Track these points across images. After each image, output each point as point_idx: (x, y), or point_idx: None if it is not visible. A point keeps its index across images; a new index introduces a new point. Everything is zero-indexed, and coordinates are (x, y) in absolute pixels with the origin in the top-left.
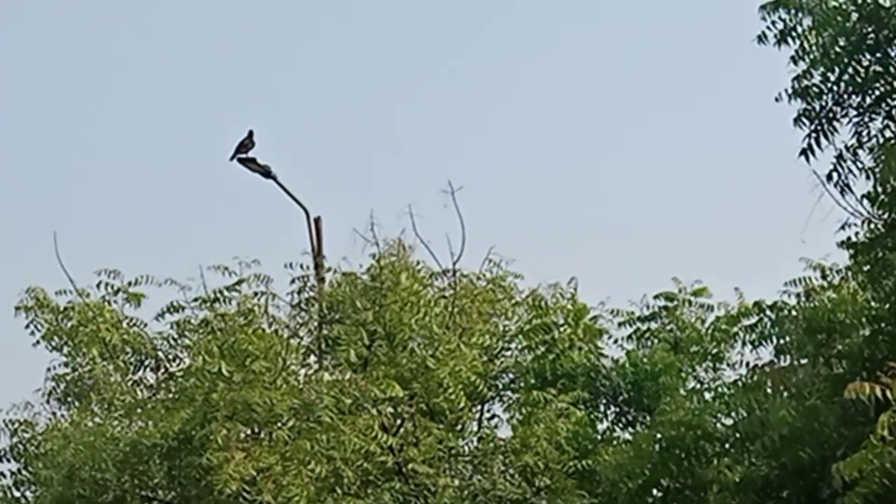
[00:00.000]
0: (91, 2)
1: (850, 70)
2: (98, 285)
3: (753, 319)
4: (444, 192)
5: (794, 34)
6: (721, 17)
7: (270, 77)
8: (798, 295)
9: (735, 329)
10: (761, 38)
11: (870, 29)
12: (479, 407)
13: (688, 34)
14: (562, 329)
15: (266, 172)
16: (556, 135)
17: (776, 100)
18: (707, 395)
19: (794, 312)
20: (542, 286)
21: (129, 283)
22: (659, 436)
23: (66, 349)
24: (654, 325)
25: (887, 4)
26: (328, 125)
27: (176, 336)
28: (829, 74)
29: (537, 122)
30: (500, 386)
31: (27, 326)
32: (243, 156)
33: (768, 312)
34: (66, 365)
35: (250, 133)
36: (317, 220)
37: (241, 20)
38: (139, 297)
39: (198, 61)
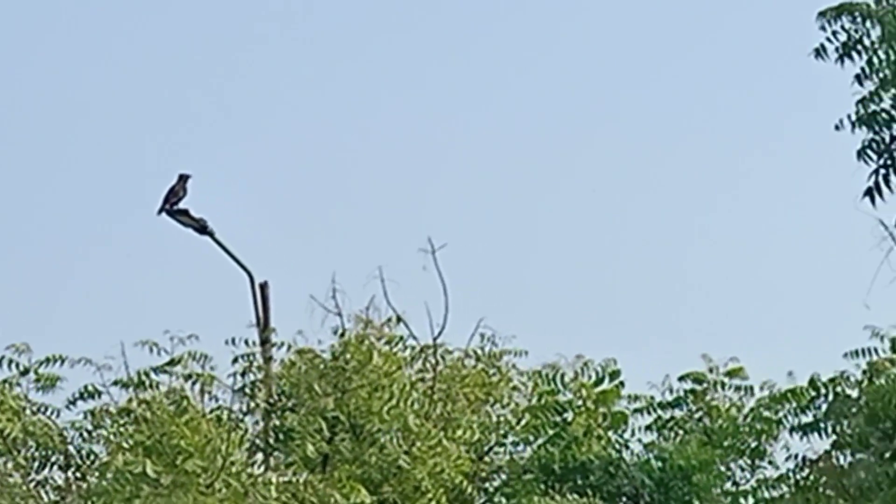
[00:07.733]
0: None
1: None
2: None
3: (805, 400)
4: (424, 251)
5: (859, 48)
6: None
7: (204, 116)
8: (863, 372)
9: (780, 414)
10: (819, 52)
11: None
12: None
13: (723, 43)
14: (578, 409)
15: (201, 227)
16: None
17: (836, 128)
18: (750, 500)
19: (853, 394)
20: (562, 360)
21: (40, 363)
22: None
23: None
24: (678, 413)
25: None
26: (276, 171)
27: (90, 427)
28: None
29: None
30: (492, 489)
31: None
32: (173, 206)
33: (824, 391)
34: None
35: (182, 178)
36: (263, 286)
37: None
38: (55, 379)
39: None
